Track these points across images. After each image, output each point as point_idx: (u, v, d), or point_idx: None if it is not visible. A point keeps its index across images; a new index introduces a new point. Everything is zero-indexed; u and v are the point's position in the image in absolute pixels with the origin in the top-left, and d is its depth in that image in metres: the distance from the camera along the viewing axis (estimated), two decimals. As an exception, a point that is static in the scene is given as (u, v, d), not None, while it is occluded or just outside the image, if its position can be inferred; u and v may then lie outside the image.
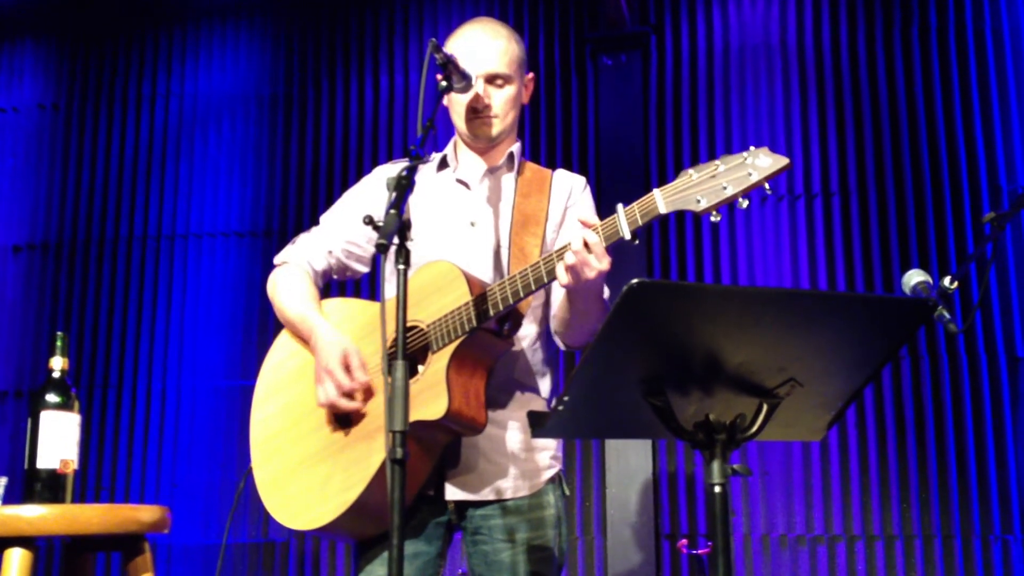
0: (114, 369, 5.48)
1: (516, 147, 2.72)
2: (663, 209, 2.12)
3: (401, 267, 2.01)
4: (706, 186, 2.08)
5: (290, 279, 2.65)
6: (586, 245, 2.16)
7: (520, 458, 2.53)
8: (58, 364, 2.50)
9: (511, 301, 2.30)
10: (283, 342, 2.67)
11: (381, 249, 1.94)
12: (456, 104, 2.63)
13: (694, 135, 5.11)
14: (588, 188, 2.78)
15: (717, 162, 2.09)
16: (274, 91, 5.67)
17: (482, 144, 2.66)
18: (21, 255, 5.73)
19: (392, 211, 2.01)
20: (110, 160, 5.75)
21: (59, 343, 2.51)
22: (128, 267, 5.59)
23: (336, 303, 2.65)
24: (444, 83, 2.41)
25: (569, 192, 2.71)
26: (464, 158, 2.70)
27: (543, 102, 5.30)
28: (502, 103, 2.61)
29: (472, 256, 2.56)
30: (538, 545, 2.50)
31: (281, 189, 5.53)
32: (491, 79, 2.59)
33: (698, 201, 2.08)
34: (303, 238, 2.73)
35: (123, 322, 5.53)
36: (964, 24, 4.97)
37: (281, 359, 2.66)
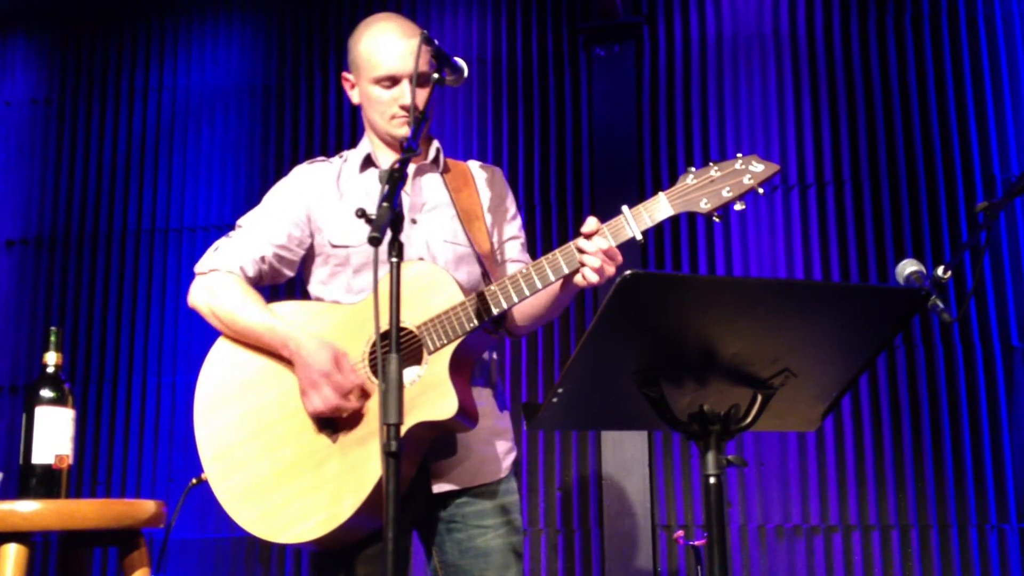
0: (109, 364, 5.47)
1: (437, 143, 2.75)
2: (671, 211, 2.30)
3: (394, 259, 2.01)
4: (707, 190, 2.29)
5: (231, 287, 2.55)
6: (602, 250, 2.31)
7: (489, 444, 2.59)
8: (52, 359, 2.49)
9: (515, 300, 2.36)
10: (224, 350, 2.57)
11: (374, 242, 1.93)
12: (380, 105, 2.62)
13: (687, 125, 5.11)
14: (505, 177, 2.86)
15: (712, 166, 2.30)
16: (267, 83, 5.66)
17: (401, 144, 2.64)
18: (14, 250, 5.72)
19: (384, 204, 2.00)
20: (103, 154, 5.74)
21: (53, 338, 2.51)
22: (122, 261, 5.58)
23: (292, 307, 2.57)
24: (436, 75, 2.41)
25: (494, 185, 2.78)
26: (388, 156, 2.69)
27: (536, 93, 5.29)
28: (424, 101, 2.50)
29: (417, 253, 2.58)
30: (507, 530, 2.57)
31: (274, 181, 5.48)
32: (419, 79, 2.48)
33: (704, 203, 2.28)
34: (225, 244, 2.64)
35: (117, 316, 5.52)
36: (956, 11, 4.96)
37: (227, 368, 2.55)
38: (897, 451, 4.61)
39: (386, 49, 2.59)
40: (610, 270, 2.31)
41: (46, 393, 2.45)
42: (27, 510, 2.29)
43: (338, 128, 5.52)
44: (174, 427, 5.32)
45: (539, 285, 2.35)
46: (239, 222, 2.70)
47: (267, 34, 5.73)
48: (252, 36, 5.76)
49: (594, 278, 2.31)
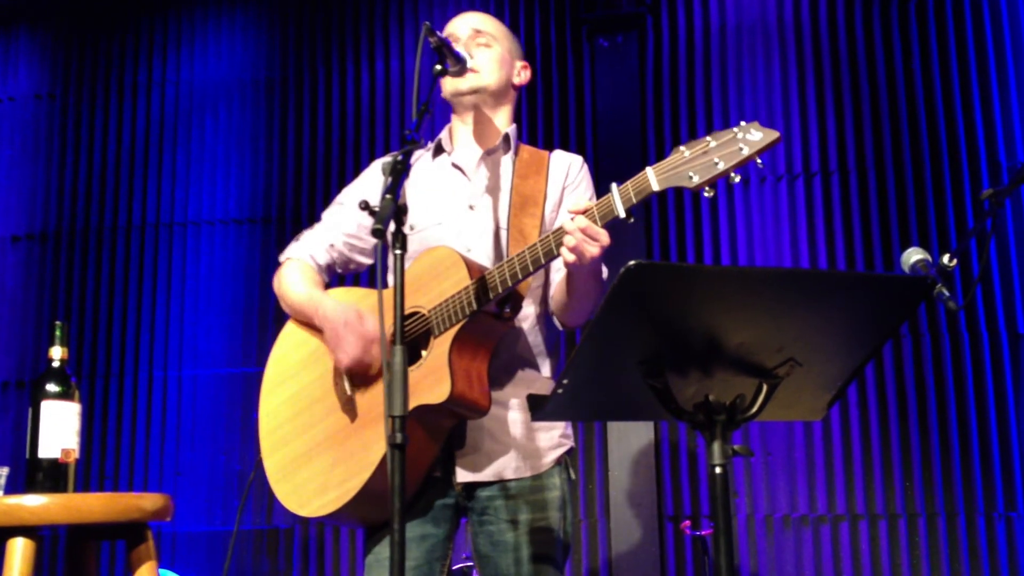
0: (115, 358, 5.48)
1: (512, 129, 2.73)
2: (656, 186, 2.13)
3: (397, 252, 2.01)
4: (698, 162, 2.09)
5: (294, 271, 2.70)
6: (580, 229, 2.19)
7: (524, 439, 2.53)
8: (58, 354, 2.49)
9: (509, 283, 2.31)
10: (289, 332, 2.70)
11: (377, 234, 1.93)
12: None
13: (691, 115, 5.10)
14: (586, 166, 2.79)
15: (708, 138, 2.11)
16: (270, 77, 5.65)
17: (465, 106, 2.68)
18: (20, 245, 5.72)
19: (387, 196, 2.00)
20: (107, 149, 5.74)
21: (58, 332, 2.51)
22: (127, 256, 5.59)
23: (339, 292, 2.68)
24: (439, 66, 2.41)
25: (567, 172, 2.72)
26: (460, 142, 2.72)
27: (540, 84, 5.28)
28: (485, 60, 2.66)
29: (472, 240, 2.57)
30: (541, 527, 2.50)
31: (279, 175, 5.52)
32: (474, 35, 2.67)
33: (691, 177, 2.08)
34: (306, 234, 2.77)
35: (123, 311, 5.53)
36: (961, -1, 4.96)
37: (286, 350, 2.68)
38: (904, 440, 4.61)
39: (451, 23, 2.71)
40: (592, 250, 2.19)
41: (52, 387, 2.45)
42: (34, 504, 2.29)
43: (342, 121, 5.51)
44: (180, 421, 5.33)
45: (531, 268, 2.28)
46: (323, 214, 2.81)
47: (270, 27, 5.73)
48: (255, 30, 5.75)
49: (570, 258, 2.20)
